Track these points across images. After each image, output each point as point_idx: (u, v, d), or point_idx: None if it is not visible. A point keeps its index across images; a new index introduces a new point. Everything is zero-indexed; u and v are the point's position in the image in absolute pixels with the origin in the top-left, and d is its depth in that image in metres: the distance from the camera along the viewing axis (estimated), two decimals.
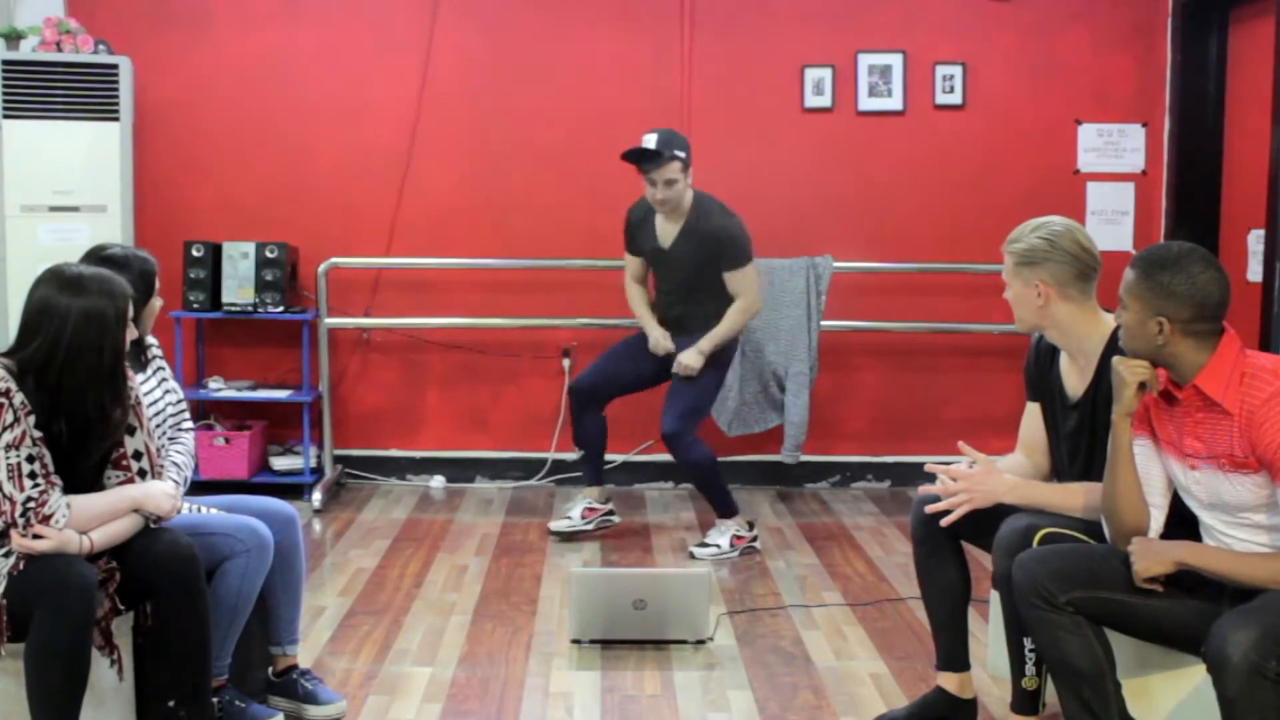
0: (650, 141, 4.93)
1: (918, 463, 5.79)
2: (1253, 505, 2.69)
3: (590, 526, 5.23)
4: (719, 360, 5.13)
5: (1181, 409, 2.75)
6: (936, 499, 3.21)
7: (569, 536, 5.21)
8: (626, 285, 5.35)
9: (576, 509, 5.25)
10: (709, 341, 5.03)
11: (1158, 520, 2.83)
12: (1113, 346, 2.97)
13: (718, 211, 5.07)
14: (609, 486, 5.62)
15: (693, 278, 5.08)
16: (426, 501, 5.93)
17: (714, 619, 4.07)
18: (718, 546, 5.01)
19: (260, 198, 6.06)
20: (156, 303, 3.37)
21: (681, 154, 4.94)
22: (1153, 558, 2.71)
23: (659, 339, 5.13)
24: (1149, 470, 2.85)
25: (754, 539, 5.09)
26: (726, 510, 5.10)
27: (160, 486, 3.03)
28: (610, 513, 5.30)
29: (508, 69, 6.07)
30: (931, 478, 3.24)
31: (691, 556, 4.99)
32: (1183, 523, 2.84)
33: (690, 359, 5.01)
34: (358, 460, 6.21)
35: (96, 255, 3.24)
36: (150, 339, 3.41)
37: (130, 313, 2.95)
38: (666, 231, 5.12)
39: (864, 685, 3.70)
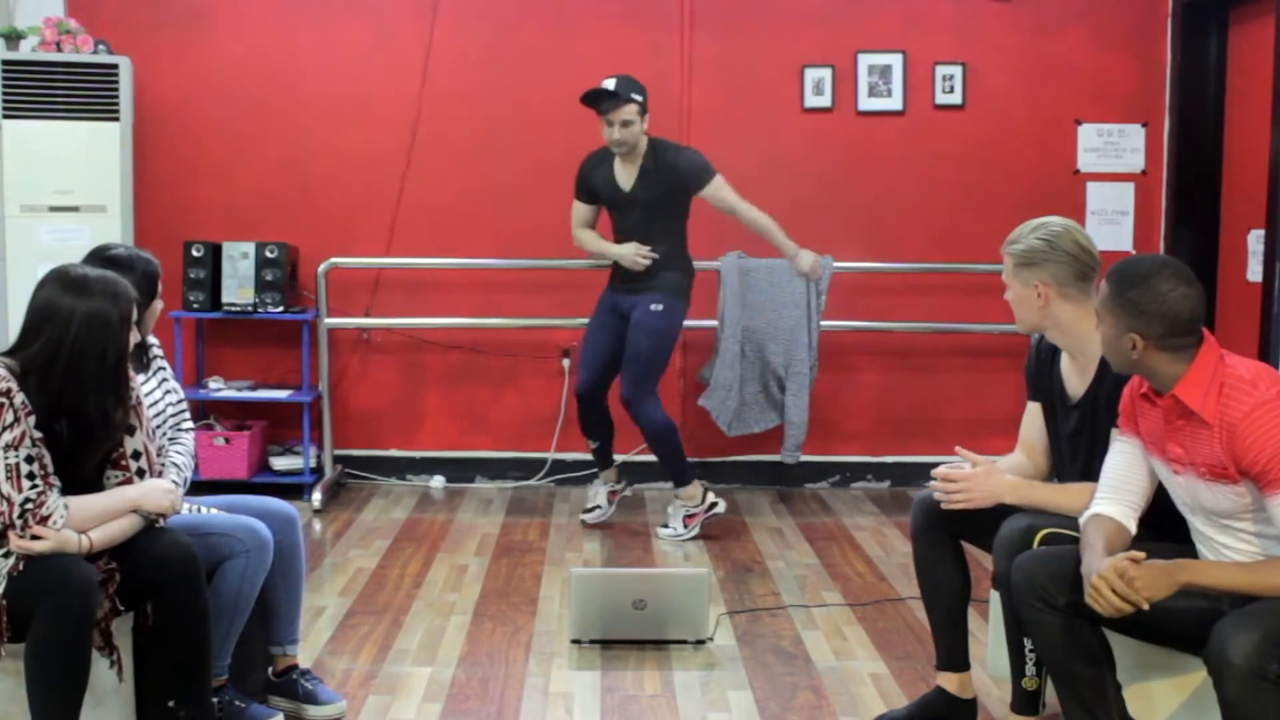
0: (609, 84, 5.16)
1: (918, 463, 5.80)
2: (1233, 512, 2.67)
3: (614, 507, 5.52)
4: (669, 319, 5.27)
5: (1163, 414, 2.74)
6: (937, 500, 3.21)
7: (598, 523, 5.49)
8: (576, 232, 5.52)
9: (602, 495, 5.50)
10: (787, 244, 5.48)
11: (1130, 521, 2.82)
12: None
13: (671, 148, 5.30)
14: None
15: (653, 217, 5.27)
16: (426, 501, 5.93)
17: (714, 619, 4.07)
18: (674, 530, 5.28)
19: (260, 198, 6.06)
20: (159, 304, 3.37)
21: (639, 97, 5.16)
22: (1155, 583, 2.59)
23: (633, 252, 5.27)
24: (1130, 472, 2.85)
25: (711, 507, 5.30)
26: (681, 479, 5.32)
27: (158, 484, 3.02)
28: (626, 486, 5.66)
29: (508, 68, 6.07)
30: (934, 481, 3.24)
31: (657, 535, 5.29)
32: (1180, 522, 2.84)
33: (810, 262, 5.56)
34: (358, 460, 6.21)
35: (100, 256, 3.24)
36: (151, 339, 3.41)
37: (134, 315, 2.94)
38: (625, 175, 5.31)
39: (864, 685, 3.70)
